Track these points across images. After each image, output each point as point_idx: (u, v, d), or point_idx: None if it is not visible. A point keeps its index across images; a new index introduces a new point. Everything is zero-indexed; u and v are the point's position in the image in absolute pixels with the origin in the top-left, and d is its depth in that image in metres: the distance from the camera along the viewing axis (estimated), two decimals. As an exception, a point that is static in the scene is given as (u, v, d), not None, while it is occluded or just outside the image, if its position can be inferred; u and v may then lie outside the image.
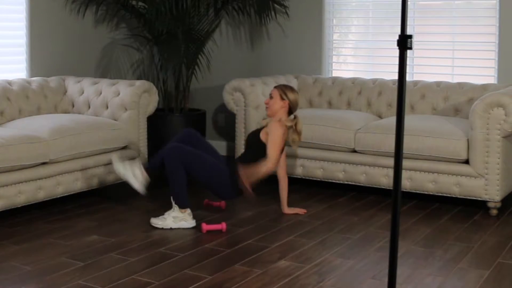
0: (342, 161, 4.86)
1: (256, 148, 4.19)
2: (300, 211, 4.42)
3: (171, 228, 4.04)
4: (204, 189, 5.02)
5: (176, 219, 4.05)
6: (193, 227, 4.07)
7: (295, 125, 4.29)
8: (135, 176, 4.19)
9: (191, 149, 4.05)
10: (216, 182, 4.08)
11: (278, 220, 4.27)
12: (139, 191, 4.22)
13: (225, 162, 4.23)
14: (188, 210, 4.08)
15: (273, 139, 4.12)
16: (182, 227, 4.06)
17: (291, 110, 4.30)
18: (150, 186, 5.14)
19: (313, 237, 3.91)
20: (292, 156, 4.98)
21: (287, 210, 4.41)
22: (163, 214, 4.12)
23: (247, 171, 4.04)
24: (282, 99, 4.26)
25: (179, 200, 4.05)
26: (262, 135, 4.19)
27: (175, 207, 4.06)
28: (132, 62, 6.34)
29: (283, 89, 4.30)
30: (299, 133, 4.31)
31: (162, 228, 4.05)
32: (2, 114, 4.72)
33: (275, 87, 4.34)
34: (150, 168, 4.23)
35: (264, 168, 4.05)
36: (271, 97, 4.30)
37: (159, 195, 4.89)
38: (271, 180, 5.23)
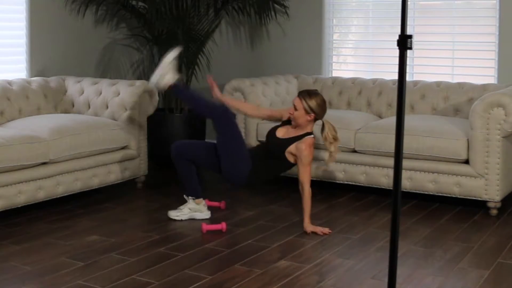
0: (342, 161, 4.86)
1: (278, 157, 4.10)
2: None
3: (190, 219, 4.22)
4: (205, 189, 5.02)
5: (192, 209, 4.25)
6: (193, 227, 4.07)
7: (324, 133, 4.07)
8: (162, 75, 4.19)
9: (190, 142, 4.16)
10: (224, 165, 4.11)
11: (278, 220, 4.27)
12: (152, 78, 4.21)
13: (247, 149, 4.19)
14: (203, 202, 4.27)
15: (304, 166, 3.98)
16: (198, 217, 4.24)
17: (316, 119, 4.08)
18: (150, 187, 5.15)
19: (313, 237, 3.91)
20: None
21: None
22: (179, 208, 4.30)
23: (307, 211, 4.01)
24: (307, 112, 4.01)
25: (192, 191, 4.23)
26: (288, 153, 4.05)
27: (190, 200, 4.24)
28: (132, 62, 6.35)
29: (307, 99, 4.01)
30: (332, 141, 4.07)
31: (181, 220, 4.21)
32: (2, 114, 4.72)
33: (299, 95, 4.06)
34: (175, 86, 4.23)
35: (308, 196, 3.99)
36: (295, 108, 4.04)
37: (160, 195, 4.90)
38: (271, 180, 5.22)
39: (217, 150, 4.13)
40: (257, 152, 4.20)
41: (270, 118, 4.35)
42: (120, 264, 3.41)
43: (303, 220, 4.03)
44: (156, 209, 4.51)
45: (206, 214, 4.26)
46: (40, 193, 4.29)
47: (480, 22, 5.28)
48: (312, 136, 4.08)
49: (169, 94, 4.31)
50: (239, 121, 5.26)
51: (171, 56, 4.20)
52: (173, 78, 4.20)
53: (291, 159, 4.08)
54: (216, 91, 4.34)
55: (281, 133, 4.16)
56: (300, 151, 3.99)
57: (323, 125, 4.10)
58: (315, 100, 4.03)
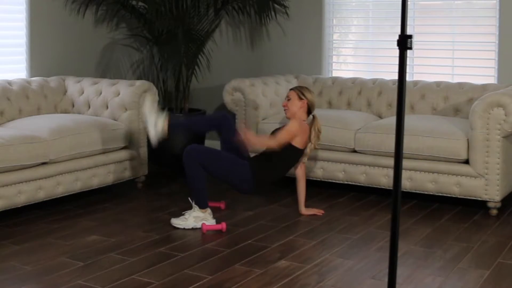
0: (342, 161, 4.86)
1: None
2: (318, 212, 4.42)
3: (192, 228, 4.05)
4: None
5: (197, 219, 4.07)
6: (193, 227, 4.07)
7: (314, 124, 4.36)
8: (155, 124, 4.16)
9: (206, 148, 4.08)
10: (234, 177, 4.10)
11: (278, 220, 4.27)
12: (151, 141, 4.21)
13: (247, 156, 4.30)
14: (209, 210, 4.11)
15: (287, 127, 4.22)
16: None
17: (309, 110, 4.38)
18: (150, 187, 5.15)
19: (313, 237, 3.91)
20: (292, 156, 4.98)
21: (304, 211, 4.42)
22: (183, 215, 4.13)
23: (252, 136, 4.11)
24: (300, 99, 4.34)
25: (200, 200, 4.08)
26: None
27: (195, 207, 4.08)
28: (132, 62, 6.35)
29: (300, 89, 4.38)
30: (317, 133, 4.37)
31: (184, 229, 4.05)
32: (2, 114, 4.72)
33: (291, 89, 4.40)
34: (173, 125, 4.22)
35: (268, 142, 4.15)
36: (288, 99, 4.36)
37: (160, 195, 4.89)
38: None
39: (227, 158, 4.13)
40: (257, 155, 4.30)
41: (291, 138, 4.27)
42: (120, 264, 3.41)
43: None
44: (156, 209, 4.51)
45: (211, 223, 4.08)
46: (40, 193, 4.29)
47: (480, 22, 5.28)
48: (305, 122, 4.34)
49: (172, 134, 4.24)
50: (239, 119, 5.26)
51: (147, 105, 4.21)
52: (164, 119, 4.20)
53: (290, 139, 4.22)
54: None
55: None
56: (289, 123, 4.25)
57: (313, 118, 4.39)
58: (308, 91, 4.40)
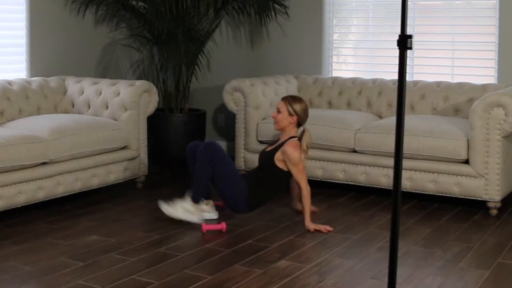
0: (342, 161, 4.86)
1: (270, 170, 4.13)
2: (317, 210, 4.38)
3: (180, 220, 4.07)
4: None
5: (186, 212, 4.07)
6: (193, 227, 4.07)
7: (302, 140, 4.15)
8: (188, 211, 4.09)
9: (224, 155, 4.06)
10: (234, 194, 4.08)
11: (278, 220, 4.27)
12: (199, 222, 4.09)
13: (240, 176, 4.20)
14: (199, 206, 4.10)
15: (295, 166, 4.03)
16: (190, 220, 4.07)
17: (299, 123, 4.20)
18: (150, 187, 5.15)
19: (313, 237, 3.91)
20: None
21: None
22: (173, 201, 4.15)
23: (307, 210, 4.04)
24: (291, 114, 4.15)
25: (196, 192, 4.07)
26: (277, 160, 4.09)
27: (188, 198, 4.09)
28: (132, 62, 6.35)
29: (291, 102, 4.15)
30: (305, 149, 4.15)
31: (172, 218, 4.08)
32: (2, 114, 4.72)
33: (282, 99, 4.20)
34: (195, 198, 4.11)
35: (306, 195, 4.02)
36: (278, 111, 4.18)
37: (160, 195, 4.89)
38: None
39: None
40: (251, 174, 4.24)
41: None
42: (120, 264, 3.41)
43: (304, 220, 4.04)
44: (156, 209, 4.51)
45: (199, 219, 4.06)
46: (40, 193, 4.29)
47: (480, 22, 5.29)
48: (296, 139, 4.15)
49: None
50: (239, 120, 5.26)
51: (166, 208, 4.11)
52: (189, 202, 4.11)
53: (282, 166, 4.10)
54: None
55: (269, 148, 4.25)
56: (285, 152, 4.06)
57: (303, 131, 4.18)
58: (299, 104, 4.18)
